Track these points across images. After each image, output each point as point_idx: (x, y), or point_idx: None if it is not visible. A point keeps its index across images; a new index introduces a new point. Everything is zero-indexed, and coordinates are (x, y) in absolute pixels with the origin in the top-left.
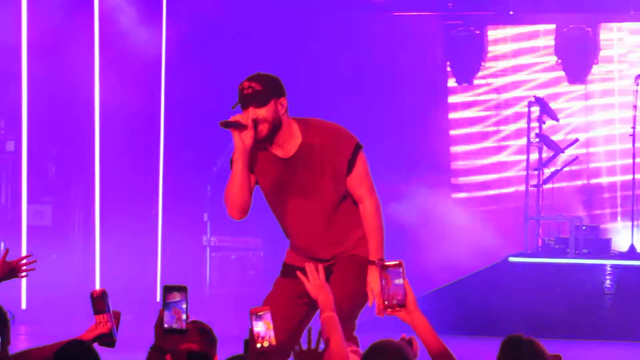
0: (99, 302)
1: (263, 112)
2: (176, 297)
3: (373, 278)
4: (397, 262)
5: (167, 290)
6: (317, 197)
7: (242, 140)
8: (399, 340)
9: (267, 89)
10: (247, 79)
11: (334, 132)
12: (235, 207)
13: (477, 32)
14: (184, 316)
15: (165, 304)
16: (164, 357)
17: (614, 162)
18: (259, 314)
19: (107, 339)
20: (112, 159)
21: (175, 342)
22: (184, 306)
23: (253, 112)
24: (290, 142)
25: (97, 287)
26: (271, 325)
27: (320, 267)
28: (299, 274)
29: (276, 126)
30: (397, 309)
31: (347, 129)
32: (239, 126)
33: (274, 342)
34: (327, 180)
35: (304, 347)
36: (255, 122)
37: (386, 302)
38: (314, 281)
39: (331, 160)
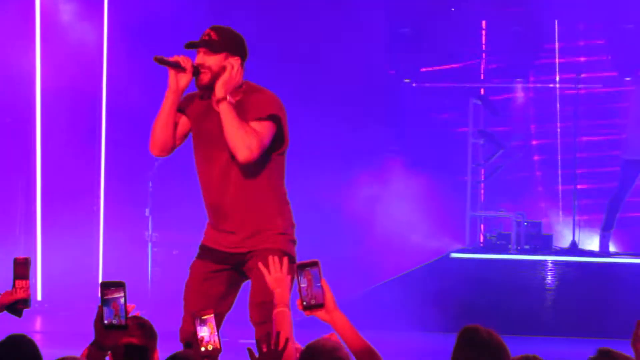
0: (22, 267)
1: (210, 61)
2: (114, 293)
3: None
4: (313, 261)
5: (105, 286)
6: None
7: (176, 81)
8: (334, 341)
9: (223, 41)
10: (210, 27)
11: (265, 96)
12: (155, 143)
13: None
14: (123, 312)
15: (104, 300)
16: (104, 354)
17: (556, 156)
18: (203, 318)
19: (22, 305)
20: (54, 153)
21: (116, 338)
22: (122, 302)
23: (201, 58)
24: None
25: (39, 283)
26: (215, 329)
27: (285, 260)
28: (260, 265)
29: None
30: (316, 309)
31: (281, 103)
32: (177, 67)
33: (218, 345)
34: None
35: (264, 349)
36: (197, 69)
37: (304, 303)
38: (275, 274)
39: (250, 115)
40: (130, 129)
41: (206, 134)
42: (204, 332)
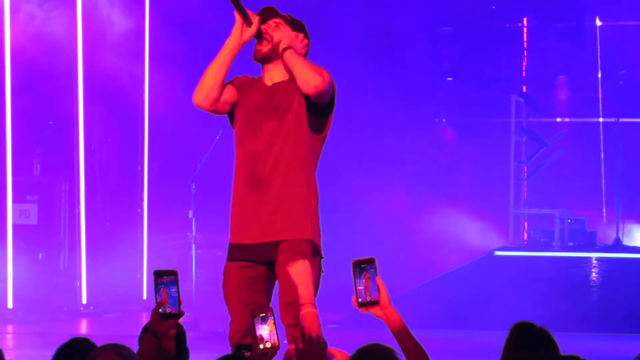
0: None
1: (278, 34)
2: (167, 280)
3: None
4: (370, 258)
5: (159, 275)
6: (284, 119)
7: (240, 32)
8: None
9: (292, 21)
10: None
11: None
12: (201, 88)
13: None
14: (176, 300)
15: (157, 288)
16: (158, 341)
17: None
18: (262, 316)
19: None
20: (97, 157)
21: (169, 326)
22: (175, 290)
23: (269, 25)
24: (283, 75)
25: (84, 286)
26: (274, 327)
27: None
28: (288, 269)
29: (275, 55)
30: (371, 306)
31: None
32: (246, 17)
33: (277, 343)
34: (297, 105)
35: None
36: (261, 32)
37: (360, 300)
38: (296, 263)
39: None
40: (173, 131)
41: (255, 105)
42: (263, 330)
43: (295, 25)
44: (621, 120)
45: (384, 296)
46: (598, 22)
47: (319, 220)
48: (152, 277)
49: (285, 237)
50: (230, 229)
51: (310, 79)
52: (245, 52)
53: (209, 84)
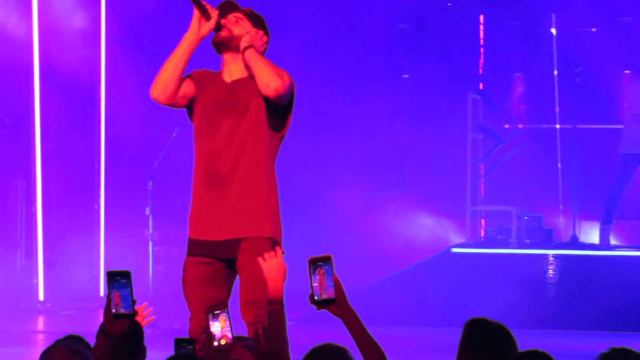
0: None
1: (237, 28)
2: (120, 281)
3: None
4: (326, 256)
5: (111, 275)
6: (243, 117)
7: (199, 26)
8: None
9: (252, 15)
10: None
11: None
12: (159, 82)
13: None
14: (129, 301)
15: (110, 289)
16: (112, 342)
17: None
18: (215, 312)
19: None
20: (53, 153)
21: (123, 326)
22: (128, 290)
23: (229, 20)
24: (242, 72)
25: (40, 283)
26: (226, 323)
27: (278, 248)
28: (259, 260)
29: (235, 44)
30: (327, 304)
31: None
32: (204, 12)
33: (229, 340)
34: (257, 105)
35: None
36: (220, 25)
37: (315, 297)
38: (270, 260)
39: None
40: (129, 127)
41: (213, 101)
42: (215, 327)
43: (256, 20)
44: (578, 126)
45: (340, 294)
46: (553, 29)
47: (279, 218)
48: (106, 277)
49: (245, 235)
50: (189, 225)
51: (270, 81)
52: (205, 45)
53: (167, 78)
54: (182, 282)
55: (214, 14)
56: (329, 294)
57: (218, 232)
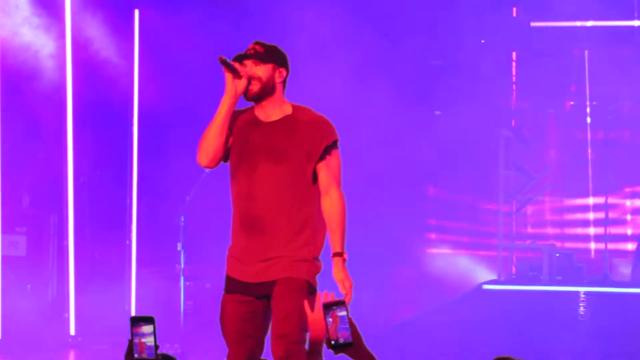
0: None
1: (259, 71)
2: (144, 327)
3: (339, 269)
4: (340, 300)
5: (135, 321)
6: (285, 165)
7: (234, 86)
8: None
9: (269, 53)
10: (254, 42)
11: (322, 118)
12: (207, 151)
13: None
14: (152, 347)
15: (133, 335)
16: None
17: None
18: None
19: None
20: (86, 189)
21: None
22: (152, 337)
23: (250, 68)
24: (276, 110)
25: (72, 317)
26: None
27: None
28: (308, 305)
29: (267, 90)
30: (344, 348)
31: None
32: (235, 72)
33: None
34: (301, 153)
35: None
36: (250, 78)
37: (332, 342)
38: (317, 314)
39: (311, 138)
40: (162, 163)
41: (250, 142)
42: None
43: (276, 57)
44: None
45: (356, 337)
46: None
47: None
48: (130, 323)
49: (280, 277)
50: (227, 262)
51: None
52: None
53: (213, 146)
54: (220, 320)
55: (244, 71)
56: (345, 337)
57: (254, 275)
